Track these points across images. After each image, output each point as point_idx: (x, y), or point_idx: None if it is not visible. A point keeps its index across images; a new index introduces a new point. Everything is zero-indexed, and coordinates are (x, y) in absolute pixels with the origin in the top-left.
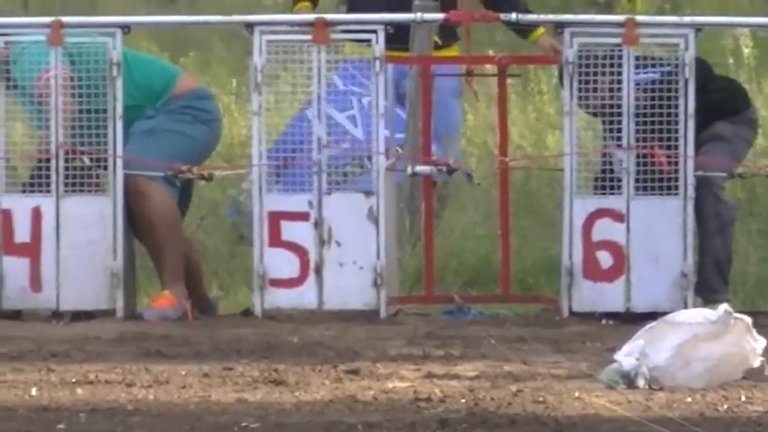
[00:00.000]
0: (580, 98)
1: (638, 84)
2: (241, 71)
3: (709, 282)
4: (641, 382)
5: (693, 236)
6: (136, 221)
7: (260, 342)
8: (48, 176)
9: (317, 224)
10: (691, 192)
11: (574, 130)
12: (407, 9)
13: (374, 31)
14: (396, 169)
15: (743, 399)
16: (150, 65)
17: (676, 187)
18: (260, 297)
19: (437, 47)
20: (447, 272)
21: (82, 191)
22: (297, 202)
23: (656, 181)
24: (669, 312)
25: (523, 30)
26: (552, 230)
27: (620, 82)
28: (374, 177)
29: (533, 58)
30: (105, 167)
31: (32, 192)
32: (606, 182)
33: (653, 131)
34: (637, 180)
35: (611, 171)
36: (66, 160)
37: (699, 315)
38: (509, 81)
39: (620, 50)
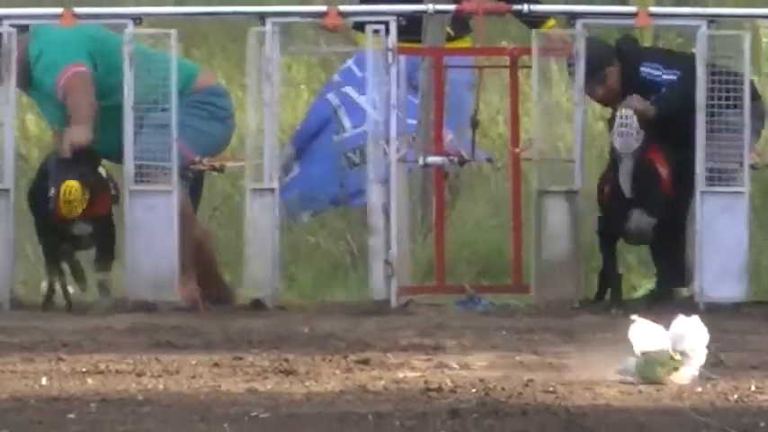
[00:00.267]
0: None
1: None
2: (242, 64)
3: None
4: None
5: None
6: None
7: (270, 332)
8: None
9: None
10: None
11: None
12: (419, 0)
13: (386, 23)
14: (407, 160)
15: (753, 389)
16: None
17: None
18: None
19: (449, 38)
20: (459, 263)
21: None
22: None
23: None
24: None
25: (534, 21)
26: None
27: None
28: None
29: (545, 49)
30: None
31: None
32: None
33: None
34: None
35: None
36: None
37: None
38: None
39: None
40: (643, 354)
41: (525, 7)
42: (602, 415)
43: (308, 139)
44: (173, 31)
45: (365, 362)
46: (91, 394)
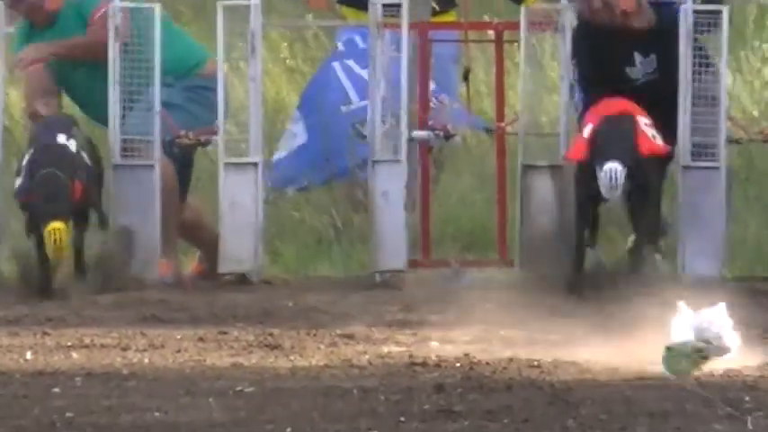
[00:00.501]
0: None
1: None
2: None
3: None
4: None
5: None
6: None
7: (256, 307)
8: None
9: None
10: None
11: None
12: None
13: None
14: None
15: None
16: (188, 39)
17: None
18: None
19: (434, 12)
20: (444, 237)
21: None
22: None
23: None
24: None
25: None
26: None
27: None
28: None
29: (530, 24)
30: None
31: None
32: None
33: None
34: None
35: None
36: None
37: None
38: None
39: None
40: (668, 349)
41: None
42: (587, 389)
43: (316, 108)
44: (156, 5)
45: (350, 336)
46: (76, 368)
